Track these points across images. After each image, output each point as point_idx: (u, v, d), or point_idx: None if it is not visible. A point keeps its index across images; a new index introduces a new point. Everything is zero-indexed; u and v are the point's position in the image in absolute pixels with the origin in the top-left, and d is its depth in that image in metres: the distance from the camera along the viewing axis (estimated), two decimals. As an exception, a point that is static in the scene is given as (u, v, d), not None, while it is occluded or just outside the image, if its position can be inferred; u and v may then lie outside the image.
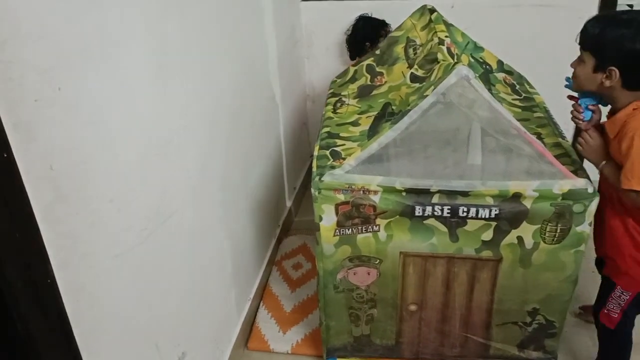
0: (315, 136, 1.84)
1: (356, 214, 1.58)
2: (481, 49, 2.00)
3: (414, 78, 1.77)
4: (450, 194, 1.53)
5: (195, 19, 1.53)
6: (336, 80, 2.19)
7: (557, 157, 1.54)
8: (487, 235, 1.58)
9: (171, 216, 1.41)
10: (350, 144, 1.69)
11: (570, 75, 1.48)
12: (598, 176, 1.54)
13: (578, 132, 1.60)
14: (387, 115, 1.75)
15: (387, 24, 2.55)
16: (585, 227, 1.53)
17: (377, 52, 2.08)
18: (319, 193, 1.56)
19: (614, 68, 1.34)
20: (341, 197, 1.56)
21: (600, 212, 1.53)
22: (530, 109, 1.87)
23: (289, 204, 2.71)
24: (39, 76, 0.92)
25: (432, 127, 1.55)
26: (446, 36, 1.76)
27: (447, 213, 1.55)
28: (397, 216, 1.57)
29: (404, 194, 1.54)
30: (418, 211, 1.56)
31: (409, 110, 1.52)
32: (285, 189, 2.66)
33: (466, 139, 1.66)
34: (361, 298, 1.75)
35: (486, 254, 1.61)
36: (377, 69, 2.02)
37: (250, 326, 2.11)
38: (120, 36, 1.15)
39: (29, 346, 0.97)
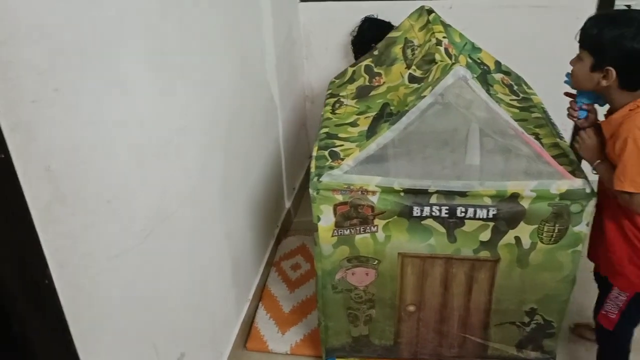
0: (314, 137, 1.85)
1: (354, 214, 1.58)
2: (479, 49, 2.00)
3: (412, 79, 1.77)
4: (448, 194, 1.53)
5: (194, 20, 1.54)
6: (335, 81, 2.19)
7: (554, 157, 1.55)
8: (485, 235, 1.58)
9: (170, 217, 1.41)
10: (349, 145, 1.70)
11: (570, 72, 1.49)
12: (596, 177, 1.54)
13: (576, 131, 1.61)
14: (385, 115, 1.75)
15: (393, 25, 2.55)
16: (583, 227, 1.54)
17: (376, 52, 2.08)
18: (318, 193, 1.56)
19: (610, 68, 1.34)
20: (339, 197, 1.56)
21: (598, 214, 1.54)
22: (528, 109, 1.87)
23: (288, 204, 2.72)
24: (37, 76, 0.92)
25: (430, 128, 1.55)
26: (444, 37, 1.77)
27: (445, 213, 1.56)
28: (395, 217, 1.58)
29: (402, 194, 1.55)
30: (416, 212, 1.56)
31: (407, 110, 1.52)
32: (284, 190, 2.66)
33: (464, 139, 1.67)
34: (359, 298, 1.75)
35: (484, 254, 1.61)
36: (376, 70, 2.02)
37: (249, 327, 2.11)
38: (119, 37, 1.15)
39: (27, 347, 0.98)
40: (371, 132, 1.69)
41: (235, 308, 2.00)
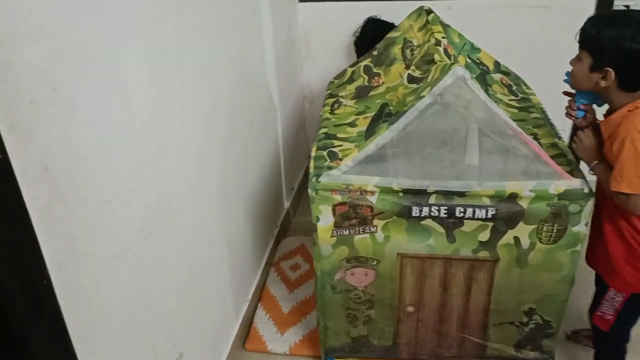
0: (313, 137, 1.85)
1: (353, 214, 1.58)
2: (478, 49, 2.01)
3: (411, 79, 1.77)
4: (447, 194, 1.53)
5: (193, 20, 1.54)
6: (334, 81, 2.19)
7: (553, 157, 1.55)
8: (484, 235, 1.58)
9: (169, 217, 1.41)
10: (348, 145, 1.70)
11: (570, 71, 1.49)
12: (595, 177, 1.54)
13: (575, 132, 1.61)
14: (384, 116, 1.75)
15: (395, 26, 2.55)
16: (582, 227, 1.54)
17: (375, 53, 2.09)
18: (316, 194, 1.56)
19: (609, 69, 1.34)
20: (338, 197, 1.56)
21: (596, 214, 1.54)
22: (526, 109, 1.88)
23: (287, 204, 2.71)
24: (36, 77, 0.92)
25: (429, 128, 1.55)
26: (443, 37, 1.77)
27: (444, 214, 1.56)
28: (394, 217, 1.58)
29: (401, 194, 1.55)
30: (415, 212, 1.56)
31: (406, 111, 1.52)
32: (284, 190, 2.66)
33: (463, 139, 1.67)
34: (359, 299, 1.75)
35: (483, 254, 1.61)
36: (375, 70, 2.02)
37: (248, 327, 2.11)
38: (117, 37, 1.15)
39: (25, 347, 0.98)
40: (370, 132, 1.69)
41: (234, 308, 2.00)
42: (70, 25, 0.99)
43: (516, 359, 1.82)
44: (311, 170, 1.61)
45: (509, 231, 1.56)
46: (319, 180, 1.56)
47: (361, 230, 1.61)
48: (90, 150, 1.08)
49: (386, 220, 1.59)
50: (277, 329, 2.10)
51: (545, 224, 1.54)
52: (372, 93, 1.94)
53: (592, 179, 1.52)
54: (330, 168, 1.58)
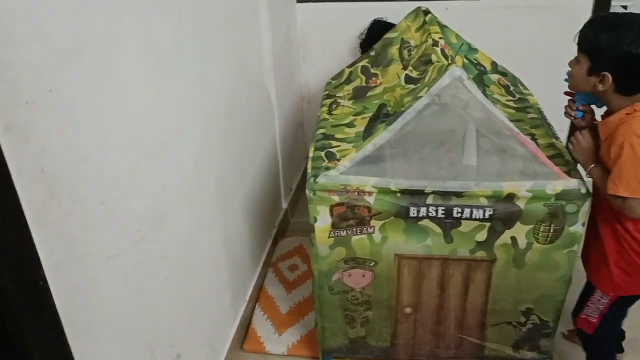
0: (311, 137, 1.85)
1: (351, 215, 1.58)
2: (475, 50, 2.01)
3: (409, 79, 1.77)
4: (445, 194, 1.53)
5: (190, 20, 1.54)
6: (331, 82, 2.19)
7: (550, 157, 1.55)
8: (481, 235, 1.58)
9: (166, 217, 1.41)
10: (345, 145, 1.70)
11: None
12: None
13: (572, 132, 1.61)
14: (382, 116, 1.75)
15: None
16: (579, 228, 1.54)
17: (372, 53, 2.09)
18: (314, 194, 1.56)
19: (607, 73, 1.34)
20: (336, 198, 1.56)
21: (592, 215, 1.54)
22: (524, 110, 1.88)
23: (284, 205, 2.71)
24: (33, 77, 0.92)
25: (426, 128, 1.55)
26: (440, 38, 1.77)
27: (442, 214, 1.56)
28: (392, 217, 1.58)
29: (398, 195, 1.55)
30: (413, 212, 1.56)
31: (404, 111, 1.52)
32: (281, 190, 2.66)
33: (460, 140, 1.67)
34: (356, 300, 1.75)
35: (480, 254, 1.62)
36: (372, 71, 2.02)
37: (245, 328, 2.11)
38: (115, 37, 1.15)
39: (22, 347, 0.97)
40: (368, 132, 1.69)
41: (231, 309, 1.99)
42: (69, 25, 0.99)
43: (514, 359, 1.82)
44: (309, 170, 1.61)
45: (506, 231, 1.57)
46: (316, 180, 1.56)
47: (359, 230, 1.61)
48: (87, 151, 1.07)
49: (384, 221, 1.59)
50: (275, 329, 2.10)
51: (542, 224, 1.54)
52: (369, 93, 1.95)
53: (588, 179, 1.53)
54: (327, 168, 1.58)
